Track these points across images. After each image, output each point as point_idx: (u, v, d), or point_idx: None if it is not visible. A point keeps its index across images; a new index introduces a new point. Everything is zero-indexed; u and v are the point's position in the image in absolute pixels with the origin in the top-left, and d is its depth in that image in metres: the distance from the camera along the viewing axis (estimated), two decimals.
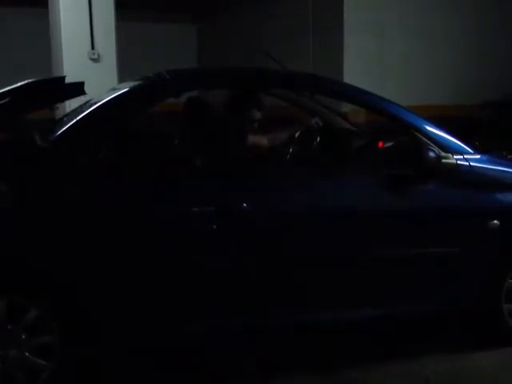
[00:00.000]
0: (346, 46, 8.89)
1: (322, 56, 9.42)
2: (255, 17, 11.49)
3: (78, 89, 3.84)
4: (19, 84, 3.40)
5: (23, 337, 3.00)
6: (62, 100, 4.06)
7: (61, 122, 3.49)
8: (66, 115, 3.64)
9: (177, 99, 3.38)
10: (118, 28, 7.50)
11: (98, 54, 7.27)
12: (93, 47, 7.24)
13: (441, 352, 3.55)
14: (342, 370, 3.38)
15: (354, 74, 8.65)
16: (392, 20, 9.20)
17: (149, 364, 3.45)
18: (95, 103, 3.31)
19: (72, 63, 7.08)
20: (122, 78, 7.41)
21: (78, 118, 3.19)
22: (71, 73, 7.10)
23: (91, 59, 7.25)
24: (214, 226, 3.08)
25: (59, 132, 3.16)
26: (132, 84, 3.52)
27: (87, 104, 3.37)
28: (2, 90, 3.32)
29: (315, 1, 9.62)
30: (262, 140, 4.17)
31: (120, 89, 3.49)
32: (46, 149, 3.14)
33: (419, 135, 3.35)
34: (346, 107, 5.33)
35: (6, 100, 3.22)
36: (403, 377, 3.33)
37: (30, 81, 3.44)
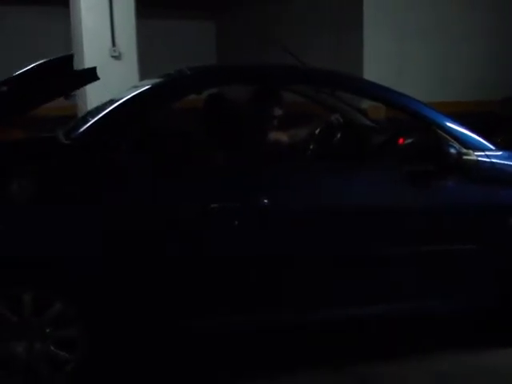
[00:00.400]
0: (365, 45, 8.88)
1: (340, 55, 9.42)
2: (274, 15, 11.49)
3: (91, 74, 3.87)
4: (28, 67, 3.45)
5: (48, 330, 3.06)
6: (76, 86, 4.08)
7: (83, 119, 3.54)
8: (89, 113, 3.69)
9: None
10: (138, 25, 7.56)
11: (119, 52, 7.33)
12: (114, 44, 7.30)
13: (456, 350, 3.55)
14: (355, 366, 3.40)
15: (372, 72, 8.63)
16: (411, 19, 9.17)
17: (167, 358, 3.50)
18: (117, 100, 3.35)
19: (93, 60, 7.09)
20: (142, 75, 7.48)
21: (100, 116, 3.24)
22: None
23: (112, 56, 7.30)
24: (236, 222, 3.11)
25: (82, 129, 3.22)
26: (154, 81, 3.55)
27: (109, 102, 3.41)
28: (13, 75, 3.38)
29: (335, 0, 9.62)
30: (283, 136, 4.18)
31: (142, 86, 3.53)
32: (69, 146, 3.20)
33: (440, 131, 3.36)
34: (366, 103, 5.32)
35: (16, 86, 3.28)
36: (415, 372, 3.35)
37: (38, 63, 3.48)
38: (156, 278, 3.11)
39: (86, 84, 4.13)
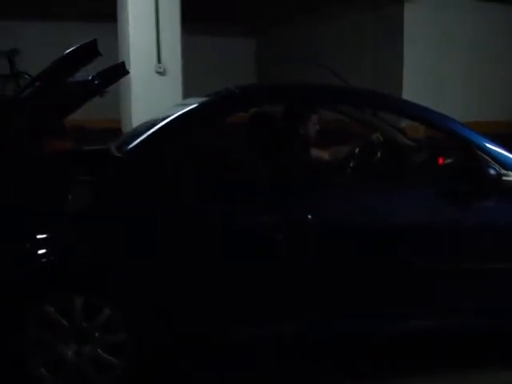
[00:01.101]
0: (405, 61, 8.94)
1: (381, 69, 9.49)
2: (314, 33, 11.62)
3: (121, 69, 4.04)
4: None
5: (96, 334, 3.19)
6: (109, 82, 4.26)
7: (134, 133, 3.69)
8: (139, 127, 3.84)
9: None
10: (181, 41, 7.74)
11: (164, 68, 7.52)
12: (159, 61, 7.49)
13: (492, 367, 3.58)
14: (393, 378, 3.48)
15: (412, 87, 8.70)
16: (451, 34, 9.21)
17: (216, 364, 3.60)
18: (167, 118, 3.50)
19: (139, 76, 7.33)
20: (185, 91, 7.66)
21: (151, 131, 3.39)
22: (138, 85, 7.42)
23: (157, 72, 7.50)
24: (280, 236, 3.22)
25: (133, 144, 3.37)
26: (202, 99, 3.69)
27: (160, 118, 3.56)
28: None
29: (376, 15, 9.70)
30: (324, 154, 4.29)
31: (190, 104, 3.67)
32: (121, 159, 3.36)
33: (479, 152, 3.42)
34: (404, 122, 5.39)
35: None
36: None
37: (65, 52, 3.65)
38: (203, 285, 3.24)
39: (117, 79, 4.29)
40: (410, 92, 8.60)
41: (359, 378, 3.50)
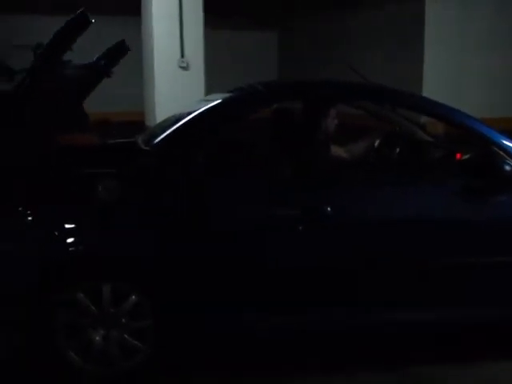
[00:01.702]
0: (426, 57, 8.96)
1: (400, 69, 9.52)
2: (336, 29, 11.65)
3: (122, 47, 4.26)
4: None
5: (123, 320, 3.34)
6: (113, 62, 4.38)
7: (161, 127, 3.82)
8: (166, 121, 3.97)
9: None
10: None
11: (187, 62, 7.63)
12: (182, 55, 7.60)
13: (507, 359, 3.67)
14: (407, 366, 3.57)
15: (432, 85, 8.72)
16: (471, 32, 9.20)
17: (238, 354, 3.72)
18: (192, 112, 3.62)
19: (162, 71, 7.45)
20: (207, 85, 7.77)
21: (177, 126, 3.52)
22: (161, 80, 7.54)
23: (180, 67, 7.61)
24: (300, 228, 3.34)
25: (161, 137, 3.50)
26: (225, 95, 3.81)
27: (185, 113, 3.68)
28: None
29: (397, 14, 9.72)
30: (340, 151, 4.37)
31: (214, 99, 3.78)
32: (148, 152, 3.49)
33: (496, 149, 3.49)
34: (424, 118, 5.45)
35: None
36: (465, 377, 3.49)
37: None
38: (228, 275, 3.36)
39: (121, 58, 4.43)
40: (431, 89, 8.63)
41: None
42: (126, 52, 4.30)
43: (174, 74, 7.40)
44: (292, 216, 3.35)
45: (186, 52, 7.59)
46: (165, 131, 3.55)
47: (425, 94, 8.50)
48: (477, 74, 9.25)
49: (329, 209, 3.32)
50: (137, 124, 7.76)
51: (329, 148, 4.20)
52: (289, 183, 3.46)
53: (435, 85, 8.69)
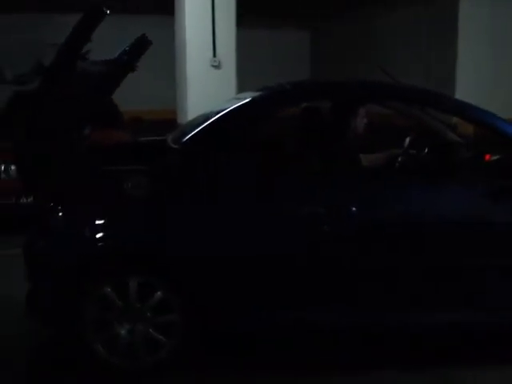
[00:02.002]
0: (459, 58, 8.88)
1: (434, 68, 9.45)
2: (369, 29, 11.62)
3: (143, 40, 4.35)
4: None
5: (149, 314, 3.40)
6: (137, 56, 4.48)
7: (190, 126, 3.87)
8: (195, 119, 4.02)
9: None
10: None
11: (219, 61, 7.69)
12: (214, 54, 7.66)
13: None
14: (437, 367, 3.55)
15: (466, 83, 8.64)
16: (506, 30, 9.08)
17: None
18: (221, 111, 3.66)
19: (194, 69, 7.51)
20: (239, 84, 7.82)
21: (206, 124, 3.56)
22: (194, 78, 7.61)
23: (212, 66, 7.66)
24: (325, 226, 3.36)
25: (188, 136, 3.55)
26: (255, 94, 3.84)
27: (214, 111, 3.73)
28: None
29: (430, 11, 9.65)
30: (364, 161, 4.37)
31: (243, 98, 3.81)
32: (176, 150, 3.55)
33: None
34: (455, 119, 5.41)
35: None
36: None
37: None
38: (256, 274, 3.40)
39: (143, 52, 4.52)
40: (464, 89, 8.54)
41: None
42: (148, 46, 4.36)
43: (206, 72, 7.45)
44: (318, 214, 3.37)
45: (218, 51, 7.64)
46: (193, 130, 3.60)
47: (458, 93, 8.42)
48: (511, 71, 9.11)
49: (353, 208, 3.33)
50: (170, 122, 7.85)
51: (358, 145, 4.20)
52: (317, 181, 3.48)
53: (469, 84, 8.60)
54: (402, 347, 3.75)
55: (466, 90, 8.39)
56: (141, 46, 4.46)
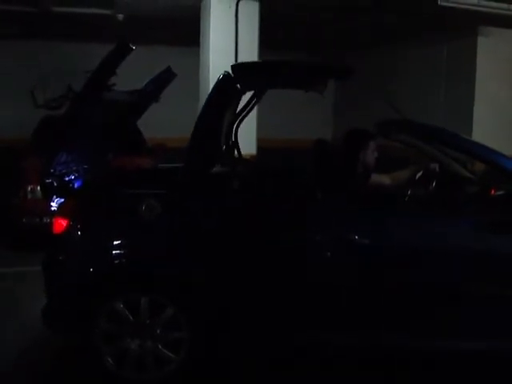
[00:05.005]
0: (477, 94, 8.96)
1: (452, 103, 9.54)
2: (388, 62, 11.73)
3: (169, 73, 4.66)
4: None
5: (158, 331, 3.53)
6: (161, 88, 4.75)
7: None
8: None
9: None
10: None
11: None
12: None
13: None
14: None
15: (483, 121, 8.71)
16: None
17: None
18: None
19: None
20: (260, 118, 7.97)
21: None
22: None
23: None
24: (329, 253, 3.50)
25: None
26: None
27: None
28: None
29: (449, 50, 9.77)
30: (386, 179, 4.47)
31: None
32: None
33: None
34: None
35: None
36: None
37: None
38: (254, 294, 3.55)
39: (167, 84, 4.78)
40: (481, 127, 8.63)
41: None
42: (173, 78, 4.59)
43: None
44: (322, 241, 3.51)
45: None
46: None
47: (475, 131, 8.50)
48: None
49: (356, 237, 3.47)
50: None
51: (368, 180, 4.32)
52: (323, 209, 3.63)
53: (486, 122, 8.68)
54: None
55: (483, 128, 8.50)
56: (166, 78, 4.69)
